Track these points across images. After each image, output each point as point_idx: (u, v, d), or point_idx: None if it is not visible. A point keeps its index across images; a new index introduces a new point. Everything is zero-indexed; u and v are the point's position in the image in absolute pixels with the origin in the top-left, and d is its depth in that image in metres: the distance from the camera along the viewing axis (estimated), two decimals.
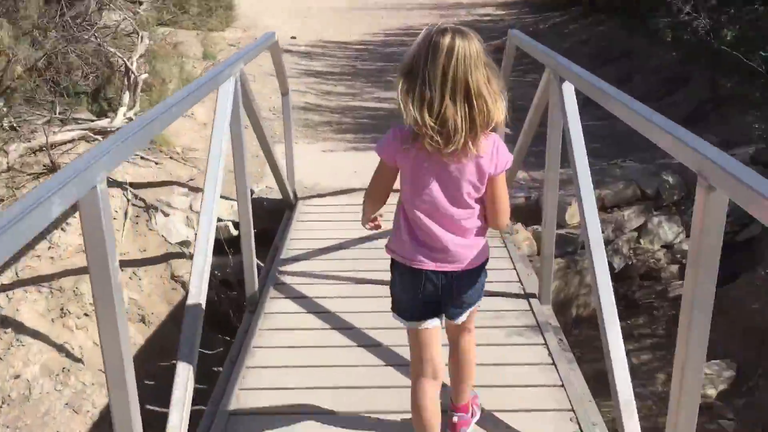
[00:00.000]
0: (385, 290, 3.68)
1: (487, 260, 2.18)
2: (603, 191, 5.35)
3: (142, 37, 6.20)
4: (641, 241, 5.56)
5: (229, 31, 11.63)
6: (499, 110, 1.91)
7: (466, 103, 1.87)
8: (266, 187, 5.55)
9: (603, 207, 5.44)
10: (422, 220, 2.05)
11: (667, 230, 5.62)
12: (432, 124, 1.86)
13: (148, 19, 6.52)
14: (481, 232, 2.12)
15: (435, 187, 2.01)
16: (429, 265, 2.09)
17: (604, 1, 10.51)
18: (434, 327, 2.22)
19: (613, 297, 2.77)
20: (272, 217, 5.30)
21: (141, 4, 6.76)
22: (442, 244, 2.06)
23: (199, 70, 7.73)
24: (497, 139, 2.02)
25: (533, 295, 3.71)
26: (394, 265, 2.19)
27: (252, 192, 5.48)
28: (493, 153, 1.99)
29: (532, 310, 3.57)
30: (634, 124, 2.48)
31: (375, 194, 2.19)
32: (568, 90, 3.21)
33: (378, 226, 2.27)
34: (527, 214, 5.51)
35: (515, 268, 4.04)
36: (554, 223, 3.64)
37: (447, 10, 15.59)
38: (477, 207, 2.07)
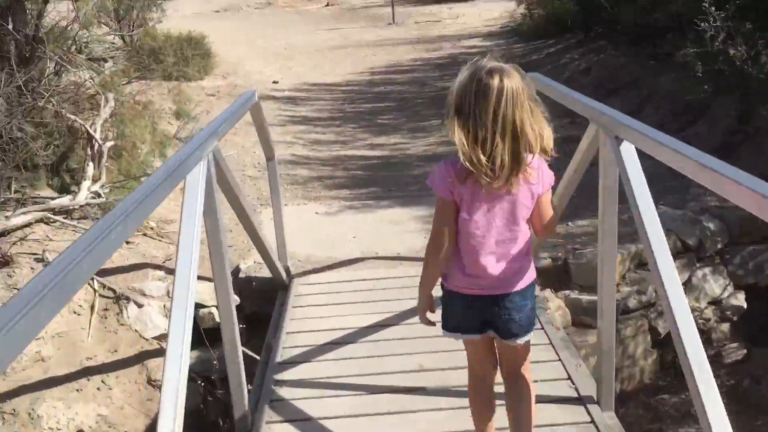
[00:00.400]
0: (411, 402, 3.02)
1: (534, 281, 2.27)
2: (641, 247, 4.67)
3: (106, 99, 5.52)
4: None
5: (207, 80, 11.00)
6: (545, 138, 2.02)
7: (514, 139, 1.98)
8: (254, 263, 4.84)
9: (641, 264, 4.76)
10: (474, 249, 2.14)
11: (713, 284, 4.94)
12: (486, 162, 1.98)
13: (113, 78, 5.84)
14: (528, 251, 2.22)
15: (489, 217, 2.11)
16: (480, 291, 2.18)
17: (604, 28, 9.95)
18: (483, 337, 2.30)
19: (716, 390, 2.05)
20: (264, 297, 4.60)
21: (106, 61, 6.09)
22: (492, 272, 2.15)
23: (175, 127, 7.06)
24: (539, 160, 2.09)
25: (590, 399, 3.00)
26: (446, 291, 2.27)
27: (238, 270, 4.79)
28: (539, 175, 2.11)
29: (593, 421, 2.85)
30: (749, 206, 1.82)
31: (439, 239, 2.17)
32: (629, 151, 2.54)
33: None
34: (555, 276, 4.83)
35: (560, 359, 3.33)
36: (614, 311, 2.95)
37: (432, 43, 15.00)
38: (526, 227, 2.18)
